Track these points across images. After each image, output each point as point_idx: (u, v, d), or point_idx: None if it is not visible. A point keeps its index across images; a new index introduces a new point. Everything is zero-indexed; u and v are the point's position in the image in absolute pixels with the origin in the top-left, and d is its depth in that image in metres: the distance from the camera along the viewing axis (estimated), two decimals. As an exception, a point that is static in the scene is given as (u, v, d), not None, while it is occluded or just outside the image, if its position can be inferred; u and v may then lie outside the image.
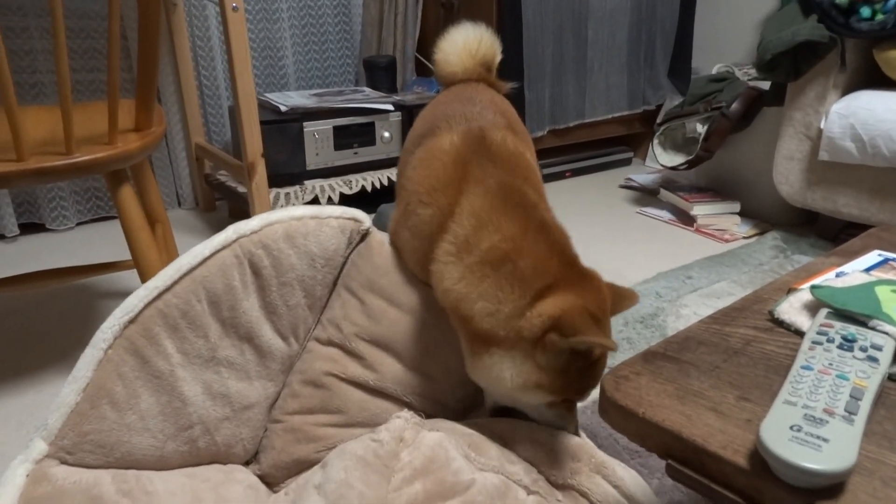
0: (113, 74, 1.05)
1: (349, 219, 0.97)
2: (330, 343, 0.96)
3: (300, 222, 0.92)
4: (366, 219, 1.00)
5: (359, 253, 1.00)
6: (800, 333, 0.69)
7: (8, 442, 1.15)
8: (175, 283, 0.83)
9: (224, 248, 0.86)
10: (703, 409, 0.58)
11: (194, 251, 0.85)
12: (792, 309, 0.72)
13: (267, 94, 2.27)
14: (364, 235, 1.00)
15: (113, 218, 2.28)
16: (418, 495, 0.75)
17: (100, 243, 2.08)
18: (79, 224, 2.23)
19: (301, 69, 2.57)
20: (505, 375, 0.82)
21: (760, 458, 0.50)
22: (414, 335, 0.96)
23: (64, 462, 0.74)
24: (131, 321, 0.80)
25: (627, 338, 1.47)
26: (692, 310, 1.60)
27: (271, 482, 0.93)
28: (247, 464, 0.94)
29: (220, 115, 2.40)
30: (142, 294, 0.81)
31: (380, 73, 2.45)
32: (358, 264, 0.99)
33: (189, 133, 2.30)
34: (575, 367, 0.80)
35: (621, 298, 0.87)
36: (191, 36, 2.26)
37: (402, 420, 0.84)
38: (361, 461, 0.77)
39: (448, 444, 0.81)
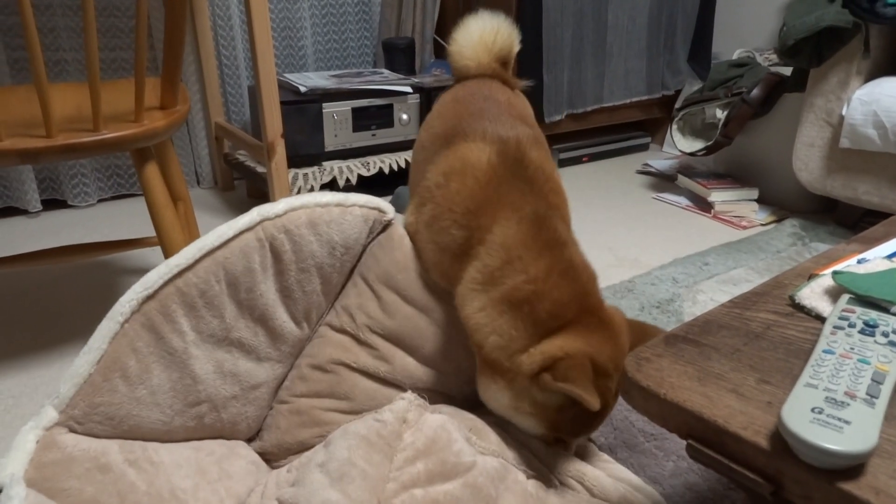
0: (140, 52, 1.06)
1: (373, 208, 0.97)
2: (342, 331, 0.97)
3: (324, 209, 0.92)
4: (389, 210, 1.00)
5: (379, 244, 0.99)
6: (820, 319, 0.70)
7: (31, 415, 1.17)
8: (196, 262, 0.83)
9: (247, 230, 0.86)
10: (724, 391, 0.58)
11: (217, 231, 0.85)
12: (813, 294, 0.73)
13: (286, 75, 2.28)
14: (386, 226, 1.00)
15: (133, 195, 2.30)
16: (420, 475, 0.76)
17: (120, 220, 2.10)
18: (100, 201, 2.25)
19: (320, 50, 2.57)
20: (504, 401, 0.86)
21: (781, 439, 0.51)
22: (427, 333, 0.97)
23: (73, 431, 0.75)
24: (150, 297, 0.80)
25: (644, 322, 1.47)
26: (709, 296, 1.60)
27: (271, 459, 0.95)
28: (249, 441, 0.95)
29: (239, 95, 2.41)
30: (162, 271, 0.81)
31: (398, 55, 2.45)
32: (377, 255, 0.99)
33: (209, 112, 2.32)
34: (571, 410, 0.82)
35: (647, 336, 0.87)
36: (212, 16, 2.26)
37: (406, 402, 0.85)
38: (364, 440, 0.78)
39: (450, 426, 0.83)
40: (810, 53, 1.86)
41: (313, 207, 0.91)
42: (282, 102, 1.84)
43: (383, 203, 1.00)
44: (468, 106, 1.05)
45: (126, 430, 0.78)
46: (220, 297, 0.85)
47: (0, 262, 1.38)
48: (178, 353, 0.82)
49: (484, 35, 1.19)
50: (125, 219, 2.12)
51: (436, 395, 0.97)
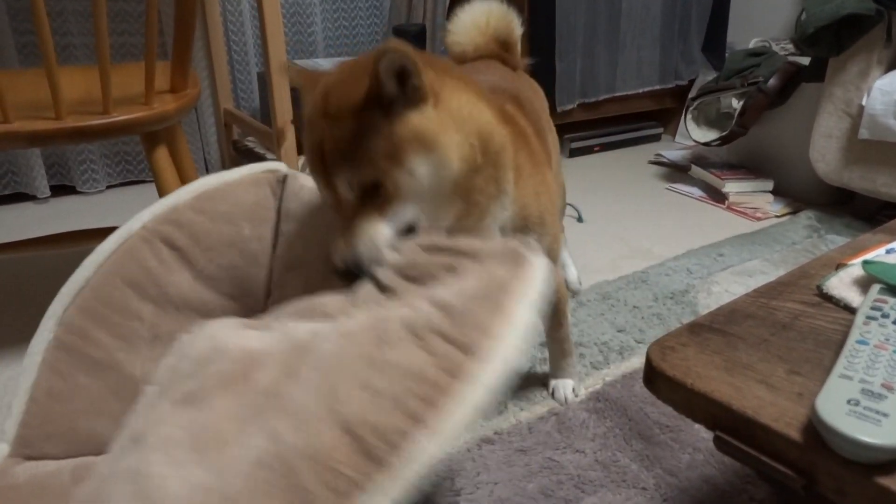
0: (151, 34, 1.04)
1: (262, 172, 0.96)
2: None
3: (202, 192, 0.93)
4: (281, 167, 0.98)
5: (287, 198, 0.98)
6: (849, 309, 0.68)
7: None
8: (88, 280, 0.86)
9: (130, 237, 0.89)
10: (752, 381, 0.57)
11: (100, 248, 0.88)
12: (842, 284, 0.71)
13: (296, 61, 2.26)
14: (284, 180, 0.98)
15: (142, 182, 2.29)
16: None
17: (129, 206, 2.09)
18: (109, 187, 2.24)
19: (330, 36, 2.55)
20: None
21: (814, 432, 0.49)
22: (317, 249, 0.94)
23: (29, 458, 0.78)
24: (56, 324, 0.83)
25: (658, 313, 1.45)
26: (723, 287, 1.58)
27: None
28: None
29: (248, 82, 2.39)
30: (63, 298, 0.85)
31: (409, 42, 2.42)
32: (289, 207, 0.97)
33: (218, 99, 2.30)
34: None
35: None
36: (221, 1, 2.24)
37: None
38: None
39: (214, 329, 0.77)
40: (830, 42, 1.82)
41: (193, 194, 0.92)
42: (291, 88, 1.82)
43: (272, 164, 0.99)
44: None
45: (82, 444, 0.79)
46: (130, 301, 0.85)
47: (8, 248, 1.37)
48: (105, 362, 0.83)
49: (475, 18, 1.23)
50: (134, 205, 2.09)
51: None
